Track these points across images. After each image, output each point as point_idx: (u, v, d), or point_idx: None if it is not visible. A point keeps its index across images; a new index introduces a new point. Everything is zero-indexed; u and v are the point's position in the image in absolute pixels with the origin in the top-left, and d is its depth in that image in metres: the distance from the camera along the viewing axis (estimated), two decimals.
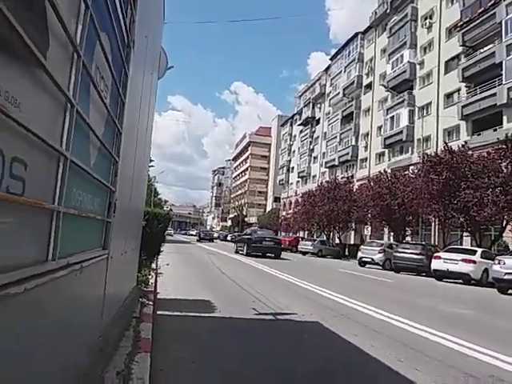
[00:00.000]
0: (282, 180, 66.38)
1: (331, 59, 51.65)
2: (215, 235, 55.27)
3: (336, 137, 45.94)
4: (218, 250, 25.31)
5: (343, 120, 45.23)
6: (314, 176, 53.20)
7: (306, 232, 44.63)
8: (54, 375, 1.60)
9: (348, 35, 48.31)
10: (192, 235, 56.98)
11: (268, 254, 20.97)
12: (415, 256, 18.04)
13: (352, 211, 31.90)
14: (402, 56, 35.50)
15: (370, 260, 20.96)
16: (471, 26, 27.45)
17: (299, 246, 32.46)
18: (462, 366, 3.89)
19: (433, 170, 21.03)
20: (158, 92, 5.64)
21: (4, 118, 0.95)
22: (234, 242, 27.67)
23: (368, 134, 40.66)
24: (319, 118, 54.95)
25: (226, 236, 55.04)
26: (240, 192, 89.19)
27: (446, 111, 29.68)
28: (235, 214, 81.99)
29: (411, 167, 29.17)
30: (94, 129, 1.78)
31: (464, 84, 28.21)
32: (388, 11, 38.83)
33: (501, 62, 24.55)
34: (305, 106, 59.32)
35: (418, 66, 34.04)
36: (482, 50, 26.99)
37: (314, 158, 54.78)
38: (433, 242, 25.03)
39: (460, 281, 15.22)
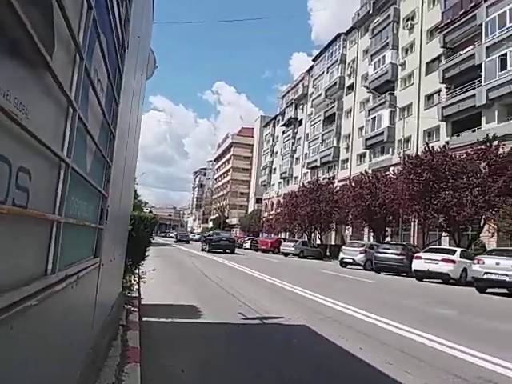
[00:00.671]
0: (264, 181, 66.39)
1: (314, 60, 51.73)
2: (196, 237, 56.68)
3: (318, 138, 46.22)
4: (190, 250, 28.90)
5: (325, 121, 45.54)
6: (296, 177, 53.39)
7: (288, 233, 44.78)
8: None
9: (330, 36, 48.62)
10: (171, 237, 56.82)
11: (227, 251, 26.78)
12: (396, 256, 18.27)
13: (334, 212, 32.19)
14: (383, 57, 35.82)
15: (351, 261, 21.12)
16: (452, 27, 27.83)
17: (281, 248, 32.50)
18: (450, 367, 3.95)
19: (413, 172, 21.35)
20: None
21: (14, 125, 0.88)
22: (201, 242, 32.99)
23: (350, 135, 41.04)
24: (302, 119, 55.21)
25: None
26: (222, 193, 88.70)
27: (427, 112, 30.12)
28: (217, 215, 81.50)
29: (392, 168, 29.61)
30: (91, 133, 1.70)
31: (444, 85, 28.64)
32: (371, 12, 39.03)
33: (480, 64, 24.92)
34: (287, 107, 59.48)
35: (399, 67, 34.47)
36: (462, 52, 27.44)
37: (297, 159, 54.99)
38: (412, 242, 25.41)
39: (439, 280, 15.50)
